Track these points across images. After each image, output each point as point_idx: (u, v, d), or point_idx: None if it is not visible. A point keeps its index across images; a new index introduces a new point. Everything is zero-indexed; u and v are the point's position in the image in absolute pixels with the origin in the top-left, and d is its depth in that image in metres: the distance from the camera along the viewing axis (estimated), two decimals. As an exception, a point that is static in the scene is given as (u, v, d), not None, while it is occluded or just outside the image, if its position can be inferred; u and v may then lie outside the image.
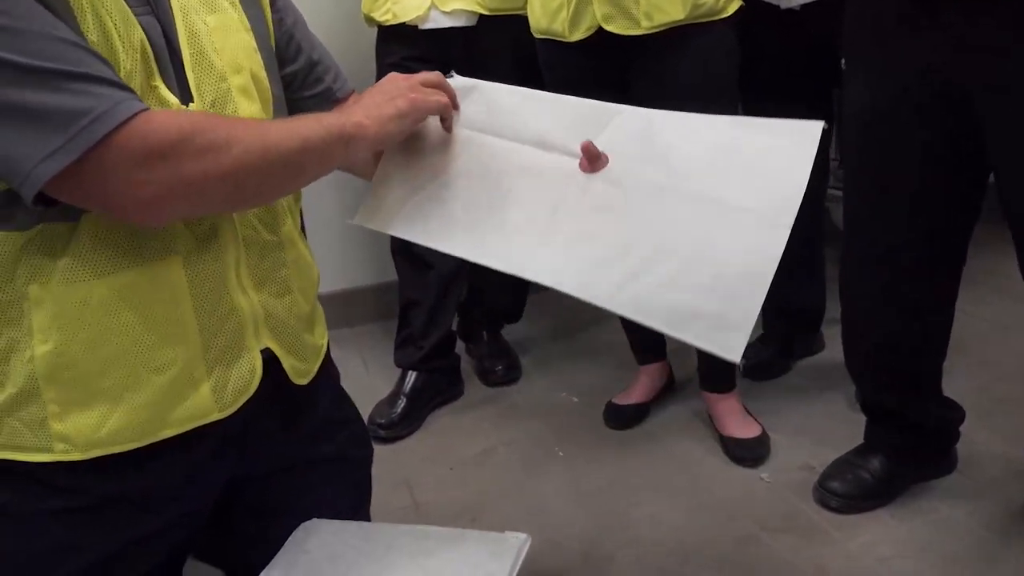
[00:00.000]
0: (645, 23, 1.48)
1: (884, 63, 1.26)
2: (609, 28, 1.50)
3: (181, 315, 0.81)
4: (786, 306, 2.02)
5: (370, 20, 1.83)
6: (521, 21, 1.78)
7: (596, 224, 0.86)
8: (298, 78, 0.97)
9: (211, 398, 0.83)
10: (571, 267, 0.84)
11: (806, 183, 0.80)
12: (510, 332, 2.22)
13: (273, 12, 0.94)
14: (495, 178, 0.93)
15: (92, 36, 0.72)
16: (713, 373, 1.79)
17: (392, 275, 2.07)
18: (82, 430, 0.78)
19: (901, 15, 1.22)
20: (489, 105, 0.97)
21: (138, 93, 0.75)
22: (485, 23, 1.76)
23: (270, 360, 0.89)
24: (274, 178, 0.80)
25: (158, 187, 0.72)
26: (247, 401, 0.86)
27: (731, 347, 0.75)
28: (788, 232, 0.78)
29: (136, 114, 0.70)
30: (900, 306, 1.40)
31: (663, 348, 1.92)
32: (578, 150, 0.91)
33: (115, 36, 0.74)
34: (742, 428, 1.74)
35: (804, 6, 1.65)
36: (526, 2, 1.79)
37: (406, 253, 1.95)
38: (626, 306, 0.80)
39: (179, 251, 0.80)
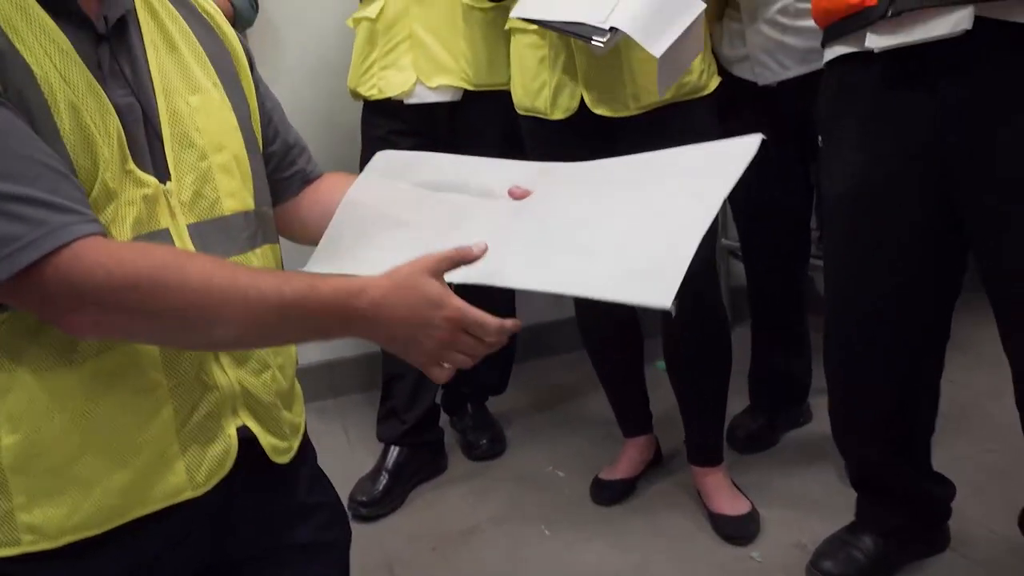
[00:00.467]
0: (633, 105, 1.50)
1: (862, 139, 1.28)
2: (598, 111, 1.51)
3: (157, 396, 0.79)
4: (771, 376, 2.02)
5: (356, 95, 1.85)
6: (506, 96, 1.81)
7: (525, 227, 0.85)
8: (274, 159, 0.98)
9: (185, 476, 0.81)
10: (509, 265, 0.82)
11: (737, 178, 0.81)
12: (494, 402, 2.19)
13: (257, 96, 0.95)
14: (440, 218, 0.91)
15: (67, 130, 0.72)
16: (701, 447, 1.76)
17: (376, 346, 2.04)
18: (52, 519, 0.75)
19: (877, 92, 1.24)
20: (434, 170, 0.98)
21: (118, 177, 0.74)
22: (470, 98, 1.79)
23: (248, 439, 0.87)
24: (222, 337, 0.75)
25: (82, 321, 0.71)
26: (223, 480, 0.84)
27: (661, 295, 0.72)
28: (713, 213, 0.77)
29: (66, 244, 0.68)
30: (886, 381, 1.39)
31: (649, 421, 1.90)
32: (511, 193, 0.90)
33: (92, 128, 0.74)
34: (731, 504, 1.71)
35: (781, 83, 1.69)
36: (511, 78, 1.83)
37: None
38: (559, 285, 0.79)
39: None
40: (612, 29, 1.29)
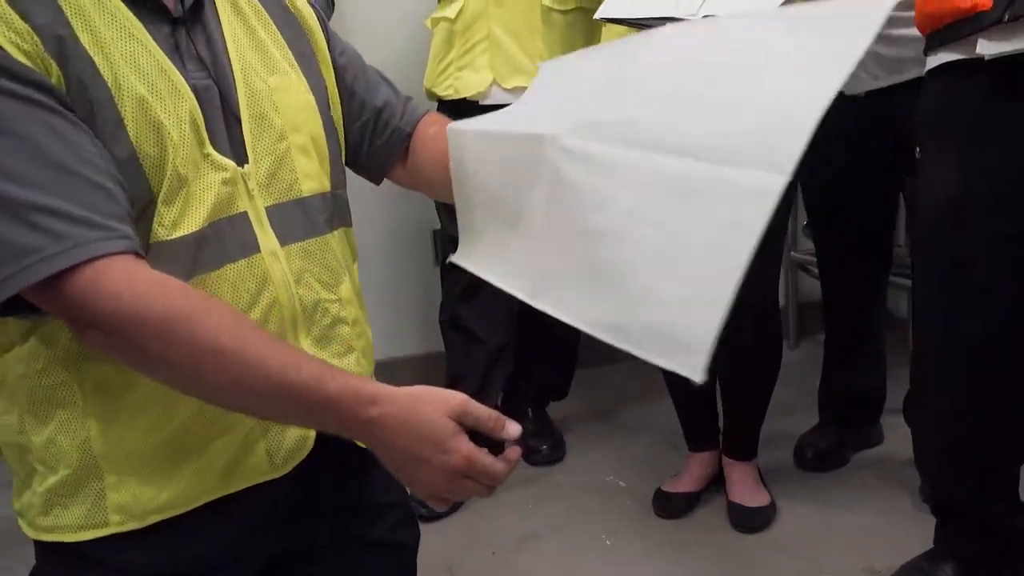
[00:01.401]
0: None
1: (967, 150, 1.23)
2: None
3: None
4: (844, 392, 1.96)
5: (431, 94, 1.85)
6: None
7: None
8: (367, 129, 0.96)
9: (265, 458, 0.81)
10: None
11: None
12: (555, 407, 2.17)
13: (336, 72, 0.93)
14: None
15: (131, 118, 0.71)
16: (736, 441, 1.79)
17: (440, 345, 2.05)
18: (140, 498, 0.76)
19: (985, 101, 1.19)
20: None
21: (191, 161, 0.74)
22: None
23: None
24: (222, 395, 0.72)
25: (90, 338, 0.69)
26: (303, 466, 0.84)
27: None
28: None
29: (85, 262, 0.66)
30: (979, 405, 1.33)
31: (716, 436, 1.86)
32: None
33: (160, 114, 0.73)
34: (751, 496, 1.75)
35: (870, 93, 1.63)
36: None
37: (455, 325, 1.93)
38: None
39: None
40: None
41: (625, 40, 0.83)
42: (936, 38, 1.23)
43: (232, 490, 0.80)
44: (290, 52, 0.88)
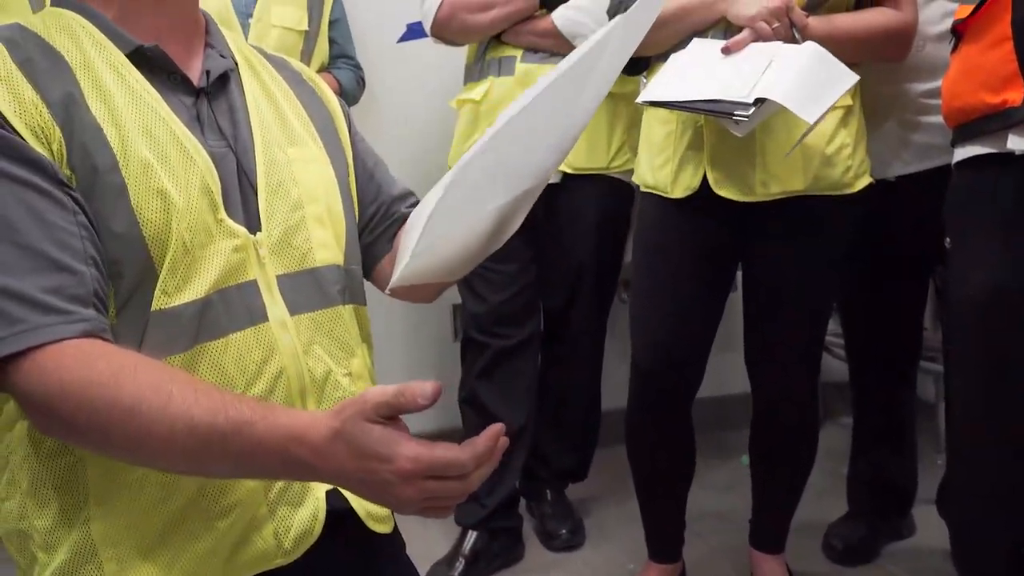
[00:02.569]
0: (761, 191, 1.41)
1: (1000, 245, 1.21)
2: (721, 192, 1.43)
3: None
4: (874, 480, 1.90)
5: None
6: (604, 180, 1.80)
7: None
8: (380, 212, 0.96)
9: (273, 542, 0.78)
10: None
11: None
12: (573, 490, 2.11)
13: (355, 153, 0.95)
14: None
15: (135, 185, 0.72)
16: (767, 533, 1.71)
17: (457, 421, 2.01)
18: None
19: (1016, 195, 1.17)
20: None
21: (200, 228, 0.75)
22: (569, 180, 1.77)
23: (341, 509, 0.84)
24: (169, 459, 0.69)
25: (38, 422, 0.70)
26: (313, 551, 0.81)
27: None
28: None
29: (34, 348, 0.66)
30: (1022, 497, 1.27)
31: (680, 547, 1.74)
32: None
33: (165, 182, 0.74)
34: None
35: (900, 179, 1.62)
36: (610, 162, 1.82)
37: (473, 404, 1.90)
38: None
39: (239, 387, 0.76)
40: (758, 101, 1.23)
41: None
42: (965, 132, 1.23)
43: None
44: (313, 127, 0.90)
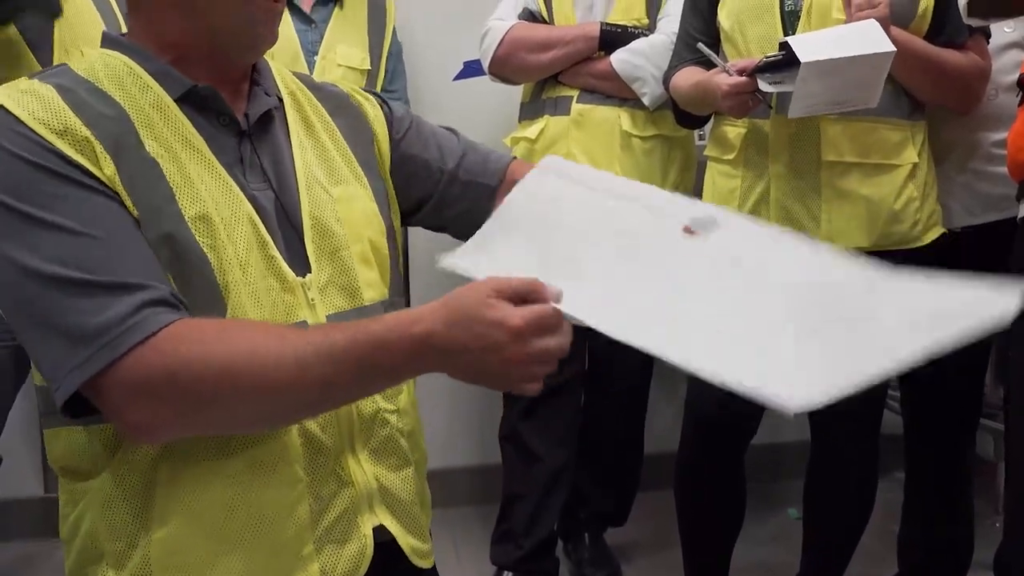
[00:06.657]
0: None
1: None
2: None
3: (297, 492, 0.77)
4: (926, 542, 1.82)
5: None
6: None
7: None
8: (448, 195, 0.96)
9: None
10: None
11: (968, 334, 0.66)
12: (612, 535, 2.07)
13: (401, 159, 0.94)
14: (602, 226, 0.82)
15: (185, 221, 0.74)
16: None
17: (496, 457, 2.00)
18: None
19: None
20: (608, 181, 0.89)
21: (253, 270, 0.76)
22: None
23: (385, 542, 0.83)
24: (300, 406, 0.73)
25: (152, 419, 0.70)
26: None
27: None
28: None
29: (136, 345, 0.68)
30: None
31: None
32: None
33: (217, 223, 0.75)
34: None
35: (964, 229, 1.58)
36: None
37: (515, 441, 1.88)
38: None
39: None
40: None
41: None
42: (1029, 186, 1.20)
43: None
44: (355, 161, 0.90)
